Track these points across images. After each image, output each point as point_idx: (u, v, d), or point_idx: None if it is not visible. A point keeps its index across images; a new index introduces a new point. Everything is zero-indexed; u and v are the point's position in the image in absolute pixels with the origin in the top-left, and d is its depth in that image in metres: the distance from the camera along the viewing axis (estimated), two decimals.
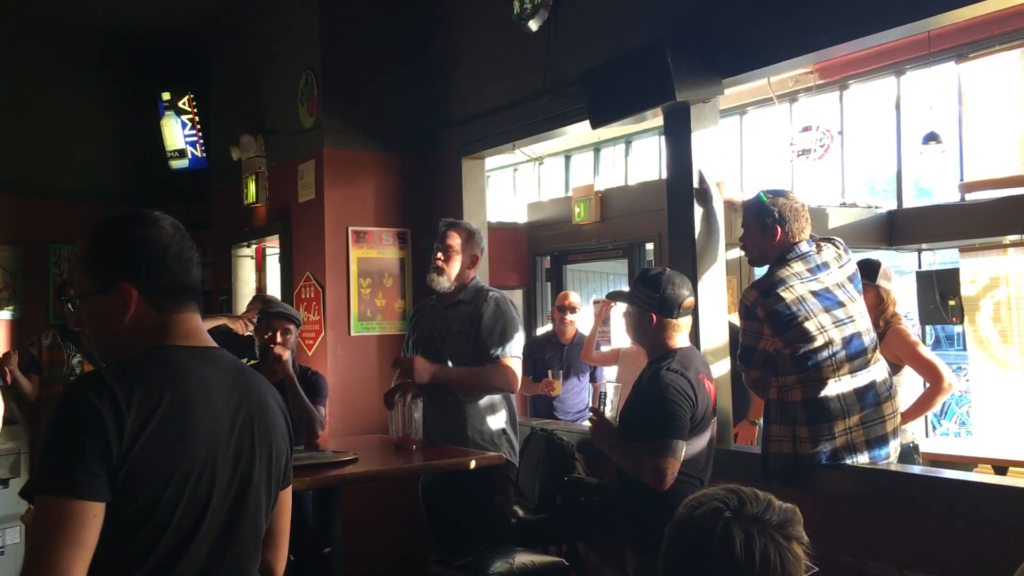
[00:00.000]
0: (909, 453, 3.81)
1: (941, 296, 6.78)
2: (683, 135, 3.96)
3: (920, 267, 7.86)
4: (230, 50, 7.07)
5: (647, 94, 3.91)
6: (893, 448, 3.28)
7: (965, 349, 7.46)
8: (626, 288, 3.48)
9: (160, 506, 1.56)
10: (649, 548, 2.92)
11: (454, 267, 3.92)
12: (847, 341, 3.19)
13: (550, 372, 5.62)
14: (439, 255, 3.92)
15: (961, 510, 2.99)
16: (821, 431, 3.18)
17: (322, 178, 5.48)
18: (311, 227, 5.59)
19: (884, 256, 7.11)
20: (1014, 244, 6.47)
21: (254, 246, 6.88)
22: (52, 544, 1.48)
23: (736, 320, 3.55)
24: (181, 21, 7.34)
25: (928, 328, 7.87)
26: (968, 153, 7.07)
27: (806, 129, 7.77)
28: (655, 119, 4.35)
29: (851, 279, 3.32)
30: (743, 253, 3.51)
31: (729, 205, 3.93)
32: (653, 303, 3.12)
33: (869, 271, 3.85)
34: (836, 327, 3.19)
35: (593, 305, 6.81)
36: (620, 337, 6.33)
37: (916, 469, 3.52)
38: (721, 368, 3.86)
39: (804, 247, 3.29)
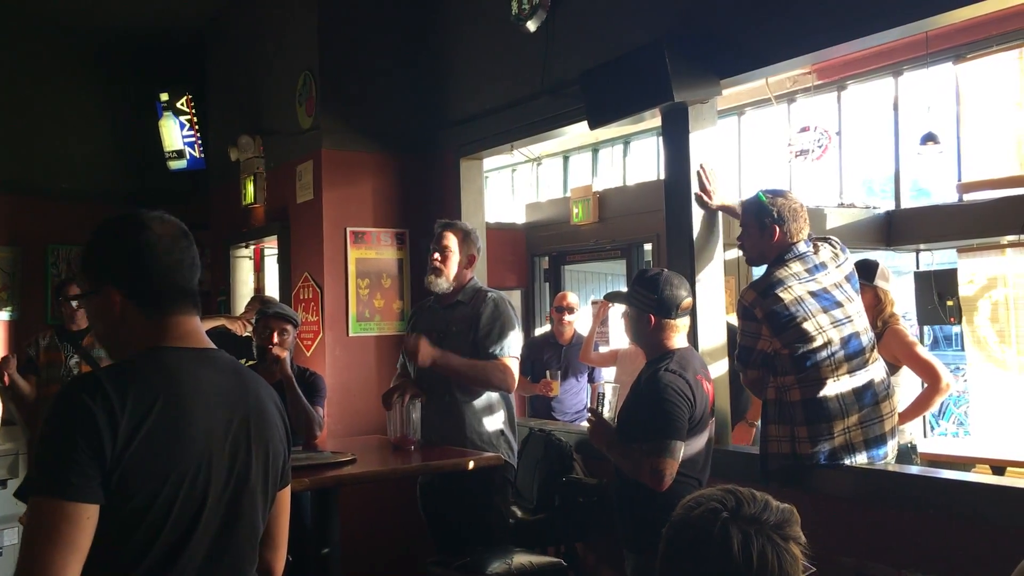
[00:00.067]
0: (907, 453, 3.82)
1: (939, 296, 6.78)
2: (681, 136, 3.96)
3: (918, 267, 7.87)
4: (228, 51, 7.07)
5: (645, 95, 3.91)
6: (891, 448, 3.28)
7: (963, 349, 7.47)
8: (624, 288, 3.47)
9: (155, 507, 1.56)
10: (647, 548, 2.92)
11: (451, 268, 3.92)
12: (845, 341, 3.20)
13: (548, 373, 5.62)
14: (436, 256, 3.92)
15: (959, 510, 3.00)
16: (820, 431, 3.18)
17: (320, 179, 5.48)
18: (309, 228, 5.59)
19: (882, 256, 7.12)
20: (1012, 244, 6.48)
21: (252, 247, 6.87)
22: (45, 545, 1.48)
23: (734, 320, 3.55)
24: (180, 22, 7.34)
25: (926, 328, 7.87)
26: (966, 153, 7.09)
27: (804, 130, 7.79)
28: (653, 120, 4.35)
29: (849, 279, 3.33)
30: (741, 253, 3.51)
31: (723, 210, 3.93)
32: (651, 304, 3.12)
33: (867, 271, 3.85)
34: (834, 327, 3.19)
35: (591, 306, 6.82)
36: (619, 338, 6.33)
37: (914, 469, 3.52)
38: (719, 368, 3.86)
39: (802, 247, 3.29)
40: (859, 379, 3.20)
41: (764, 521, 1.38)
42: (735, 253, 3.51)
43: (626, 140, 9.97)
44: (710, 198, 3.88)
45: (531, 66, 4.82)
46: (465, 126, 5.40)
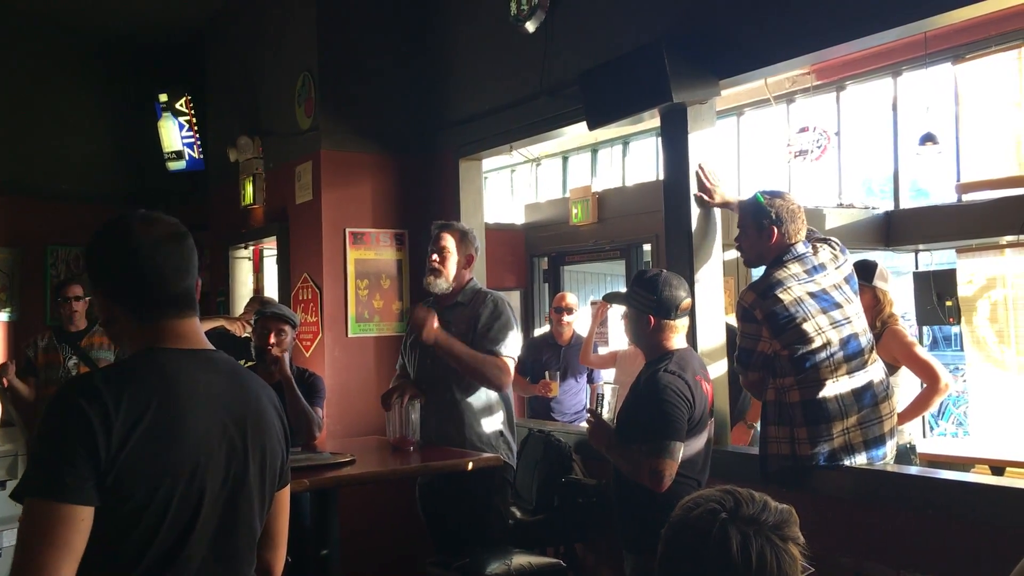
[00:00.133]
0: (906, 454, 3.82)
1: (938, 297, 6.78)
2: (680, 136, 3.97)
3: (917, 268, 7.87)
4: (227, 52, 7.07)
5: (644, 95, 3.91)
6: (890, 448, 3.28)
7: (962, 350, 7.47)
8: (623, 289, 3.47)
9: (151, 508, 1.56)
10: (646, 549, 2.92)
11: (450, 268, 3.92)
12: (844, 342, 3.20)
13: (547, 373, 5.61)
14: (434, 257, 3.92)
15: (958, 510, 3.00)
16: (819, 432, 3.18)
17: (319, 179, 5.47)
18: (308, 228, 5.59)
19: (881, 257, 7.13)
20: (1011, 245, 6.48)
21: (251, 247, 6.87)
22: (40, 547, 1.48)
23: (733, 321, 3.55)
24: (178, 23, 7.34)
25: (925, 329, 7.87)
26: (965, 154, 7.08)
27: (803, 130, 7.79)
28: (652, 120, 4.36)
29: (848, 280, 3.33)
30: (739, 254, 3.51)
31: (724, 207, 3.93)
32: (650, 305, 3.12)
33: (866, 272, 3.85)
34: (833, 328, 3.19)
35: (591, 306, 6.81)
36: (618, 338, 6.33)
37: (913, 470, 3.52)
38: (718, 369, 3.86)
39: (800, 248, 3.29)
40: (858, 380, 3.20)
41: (763, 522, 1.38)
42: (734, 253, 3.52)
43: (625, 140, 9.97)
44: (711, 197, 3.88)
45: (530, 66, 4.83)
46: (464, 127, 5.40)
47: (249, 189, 6.20)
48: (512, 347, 3.85)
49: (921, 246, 7.77)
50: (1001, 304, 6.49)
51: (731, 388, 4.02)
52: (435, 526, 4.01)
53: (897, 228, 7.47)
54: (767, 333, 3.23)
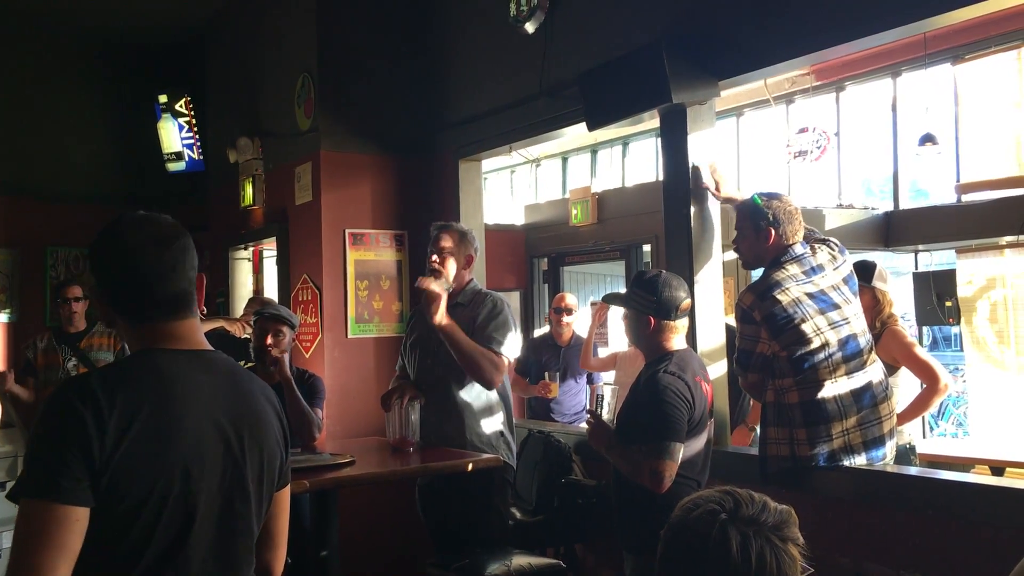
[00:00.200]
0: (906, 454, 3.81)
1: (938, 297, 6.78)
2: (679, 137, 3.97)
3: (917, 268, 7.87)
4: (227, 53, 7.07)
5: (643, 96, 3.91)
6: (889, 449, 3.28)
7: (962, 350, 7.47)
8: (623, 290, 3.47)
9: (147, 509, 1.57)
10: (646, 550, 2.92)
11: (450, 268, 3.91)
12: (843, 343, 3.20)
13: (547, 374, 5.61)
14: (434, 258, 3.91)
15: (958, 511, 3.00)
16: (818, 433, 3.18)
17: (319, 180, 5.47)
18: (308, 229, 5.59)
19: (881, 257, 7.13)
20: (1010, 245, 6.48)
21: (251, 248, 6.88)
22: (35, 548, 1.48)
23: (733, 322, 3.55)
24: (178, 24, 7.34)
25: (925, 329, 7.87)
26: (964, 154, 7.09)
27: (803, 130, 7.79)
28: (652, 121, 4.36)
29: (846, 281, 3.32)
30: (737, 256, 3.51)
31: (728, 202, 3.93)
32: (650, 306, 3.11)
33: (865, 272, 3.85)
34: (832, 329, 3.19)
35: (590, 307, 6.81)
36: (618, 339, 6.33)
37: (913, 470, 3.52)
38: (718, 370, 3.86)
39: (798, 249, 3.29)
40: (857, 381, 3.20)
41: (762, 522, 1.38)
42: (734, 254, 3.51)
43: (625, 141, 9.98)
44: (718, 191, 3.88)
45: (529, 67, 4.83)
46: (464, 127, 5.40)
47: (249, 190, 6.20)
48: (508, 346, 3.84)
49: (921, 246, 7.77)
50: (1001, 304, 6.49)
51: (731, 389, 4.01)
52: (435, 527, 4.01)
53: (897, 229, 7.48)
54: (766, 334, 3.22)
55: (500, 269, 7.36)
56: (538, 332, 7.30)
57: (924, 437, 6.83)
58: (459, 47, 5.55)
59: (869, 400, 3.22)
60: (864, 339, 3.26)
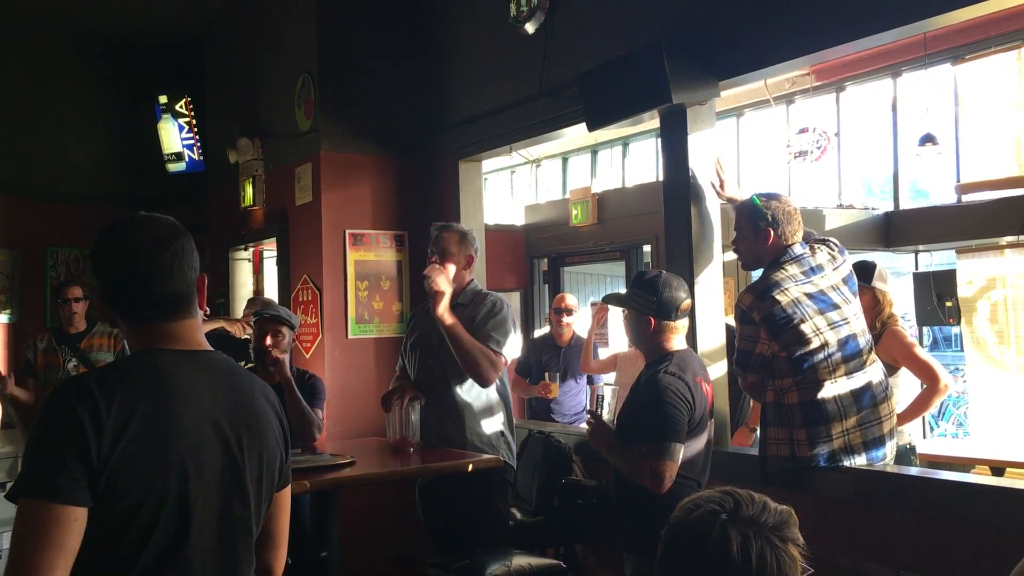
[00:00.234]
0: (906, 454, 3.81)
1: (938, 297, 6.78)
2: (680, 137, 3.97)
3: (917, 268, 7.87)
4: (227, 53, 7.07)
5: (643, 96, 3.91)
6: (890, 449, 3.28)
7: (962, 350, 7.47)
8: (623, 290, 3.47)
9: (145, 509, 1.57)
10: (647, 550, 2.91)
11: (450, 272, 3.91)
12: (843, 343, 3.19)
13: (547, 374, 5.61)
14: (434, 259, 3.91)
15: (958, 511, 3.00)
16: (818, 433, 3.18)
17: (319, 181, 5.48)
18: (308, 230, 5.59)
19: (881, 257, 7.13)
20: (1011, 245, 6.48)
21: (251, 249, 6.88)
22: (33, 547, 1.49)
23: (733, 322, 3.55)
24: (178, 24, 7.34)
25: (925, 329, 7.88)
26: (964, 154, 7.09)
27: (803, 131, 7.79)
28: (652, 121, 4.35)
29: (846, 281, 3.32)
30: (737, 256, 3.51)
31: (730, 202, 3.92)
32: (651, 306, 3.11)
33: (865, 273, 3.85)
34: (831, 329, 3.19)
35: (591, 307, 6.81)
36: (618, 339, 6.33)
37: (913, 471, 3.52)
38: (718, 370, 3.86)
39: (797, 250, 3.29)
40: (857, 381, 3.20)
41: (763, 523, 1.38)
42: (734, 255, 3.51)
43: (625, 142, 9.98)
44: (723, 189, 3.87)
45: (530, 68, 4.83)
46: (464, 128, 5.40)
47: (249, 190, 6.20)
48: (506, 345, 3.84)
49: (921, 247, 7.77)
50: (1001, 305, 6.49)
51: (731, 390, 4.01)
52: (435, 527, 4.01)
53: (897, 229, 7.48)
54: (765, 335, 3.22)
55: (500, 269, 7.36)
56: (538, 333, 7.30)
57: (924, 437, 6.83)
58: (459, 47, 5.56)
59: (869, 400, 3.21)
60: (864, 339, 3.26)
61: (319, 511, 3.65)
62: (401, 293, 5.62)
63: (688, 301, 3.17)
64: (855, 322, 3.25)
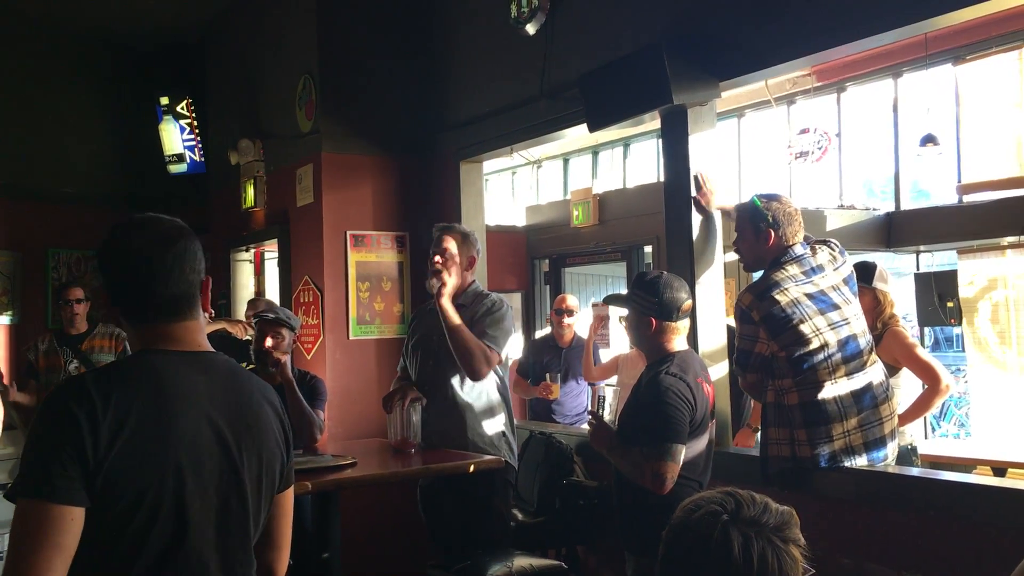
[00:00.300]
0: (907, 455, 3.81)
1: (939, 298, 6.77)
2: (680, 138, 3.97)
3: (918, 269, 7.87)
4: (228, 55, 7.08)
5: (644, 97, 3.91)
6: (891, 450, 3.28)
7: (964, 351, 7.47)
8: (624, 291, 3.47)
9: (142, 509, 1.57)
10: (648, 551, 2.92)
11: (452, 270, 3.92)
12: (843, 343, 3.19)
13: (548, 375, 5.61)
14: (436, 259, 3.92)
15: (960, 512, 3.00)
16: (819, 434, 3.18)
17: (320, 182, 5.48)
18: (309, 231, 5.59)
19: (882, 258, 7.12)
20: (1012, 246, 6.47)
21: (252, 250, 6.88)
22: (31, 547, 1.50)
23: (733, 322, 3.55)
24: (179, 26, 7.35)
25: (926, 330, 7.87)
26: (965, 155, 7.08)
27: (804, 131, 7.79)
28: (653, 122, 4.35)
29: (847, 281, 3.32)
30: (738, 257, 3.51)
31: (723, 212, 3.93)
32: (652, 307, 3.11)
33: (865, 273, 3.85)
34: (831, 329, 3.19)
35: (591, 308, 6.80)
36: (618, 340, 6.32)
37: (914, 471, 3.52)
38: (719, 371, 3.86)
39: (798, 250, 3.29)
40: (857, 382, 3.20)
41: (764, 523, 1.38)
42: (735, 255, 3.51)
43: (626, 142, 9.97)
44: (707, 202, 3.88)
45: (530, 69, 4.83)
46: (465, 129, 5.40)
47: (250, 192, 6.20)
48: (502, 343, 3.84)
49: (922, 247, 7.76)
50: (1002, 305, 6.48)
51: (733, 390, 4.01)
52: (436, 528, 4.01)
53: (898, 229, 7.47)
54: (764, 334, 3.22)
55: (501, 270, 7.36)
56: (539, 333, 7.29)
57: (926, 438, 6.82)
58: (460, 48, 5.56)
59: (870, 401, 3.21)
60: (864, 340, 3.26)
61: (320, 512, 3.65)
62: (402, 294, 5.62)
63: (689, 302, 3.17)
64: (855, 323, 3.25)
